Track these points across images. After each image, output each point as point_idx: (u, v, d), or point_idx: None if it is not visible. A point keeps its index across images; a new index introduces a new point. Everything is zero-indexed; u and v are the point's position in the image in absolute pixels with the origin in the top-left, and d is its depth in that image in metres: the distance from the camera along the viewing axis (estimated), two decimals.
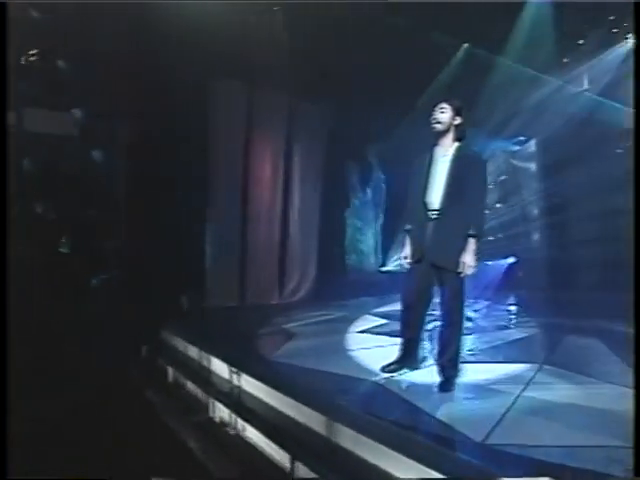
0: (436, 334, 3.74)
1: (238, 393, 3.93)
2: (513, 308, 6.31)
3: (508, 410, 3.05)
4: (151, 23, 5.93)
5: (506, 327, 5.88)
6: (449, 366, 3.56)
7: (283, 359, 4.40)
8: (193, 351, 4.95)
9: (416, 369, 3.86)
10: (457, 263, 3.36)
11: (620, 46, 8.58)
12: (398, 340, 3.86)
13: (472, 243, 3.35)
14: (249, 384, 3.90)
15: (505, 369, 3.98)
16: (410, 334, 3.80)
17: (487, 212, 9.49)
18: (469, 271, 3.35)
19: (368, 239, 10.38)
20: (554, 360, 4.12)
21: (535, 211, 9.23)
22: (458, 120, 3.46)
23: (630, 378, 2.93)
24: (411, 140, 9.25)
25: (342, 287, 8.82)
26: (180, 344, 5.29)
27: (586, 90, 9.01)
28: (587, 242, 7.95)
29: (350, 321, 6.15)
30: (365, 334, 5.46)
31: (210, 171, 7.56)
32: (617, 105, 8.81)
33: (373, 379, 3.73)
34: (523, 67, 8.87)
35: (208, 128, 7.55)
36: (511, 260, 8.95)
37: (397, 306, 6.79)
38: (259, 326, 5.86)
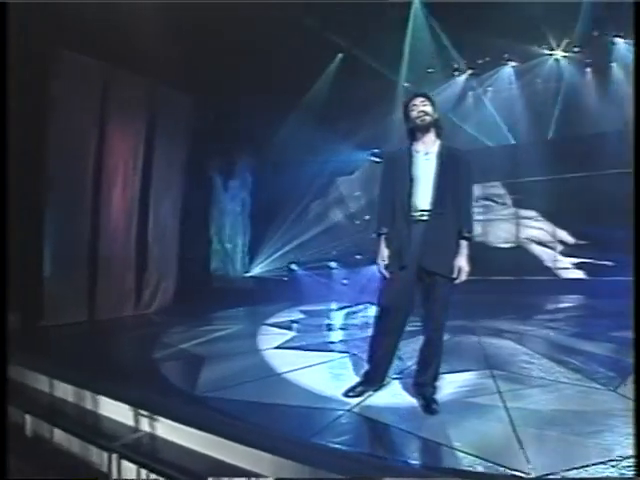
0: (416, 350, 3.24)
1: (153, 445, 2.86)
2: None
3: (515, 428, 2.70)
4: None
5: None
6: (429, 384, 3.10)
7: (212, 393, 3.41)
8: (63, 389, 3.59)
9: (378, 389, 3.30)
10: (451, 268, 2.94)
11: (460, 76, 9.57)
12: (322, 355, 3.54)
13: (465, 246, 2.98)
14: (173, 432, 2.86)
15: (457, 379, 3.66)
16: (383, 351, 3.23)
17: (367, 217, 9.89)
18: (464, 277, 2.95)
19: (234, 244, 9.52)
20: (495, 364, 3.96)
21: None
22: (436, 115, 3.07)
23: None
24: (284, 144, 9.04)
25: (207, 295, 7.92)
26: (34, 379, 3.83)
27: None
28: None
29: (251, 336, 5.33)
30: (280, 350, 4.70)
31: (50, 168, 6.04)
32: (463, 127, 9.82)
33: (342, 408, 3.05)
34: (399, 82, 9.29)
35: (48, 117, 6.02)
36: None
37: (290, 314, 6.65)
38: (150, 349, 4.64)
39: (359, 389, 3.25)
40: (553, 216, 8.60)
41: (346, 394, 3.25)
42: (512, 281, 8.16)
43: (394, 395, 3.26)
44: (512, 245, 9.10)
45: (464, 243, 2.98)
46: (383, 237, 3.13)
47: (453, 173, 2.99)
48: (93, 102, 6.73)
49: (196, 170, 8.36)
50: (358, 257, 9.19)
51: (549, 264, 8.58)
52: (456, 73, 9.81)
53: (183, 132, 8.15)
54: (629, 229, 7.37)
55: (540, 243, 8.67)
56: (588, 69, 9.61)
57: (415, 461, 2.42)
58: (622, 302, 6.35)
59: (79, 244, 6.46)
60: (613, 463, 2.31)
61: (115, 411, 3.25)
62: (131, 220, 7.36)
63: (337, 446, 2.53)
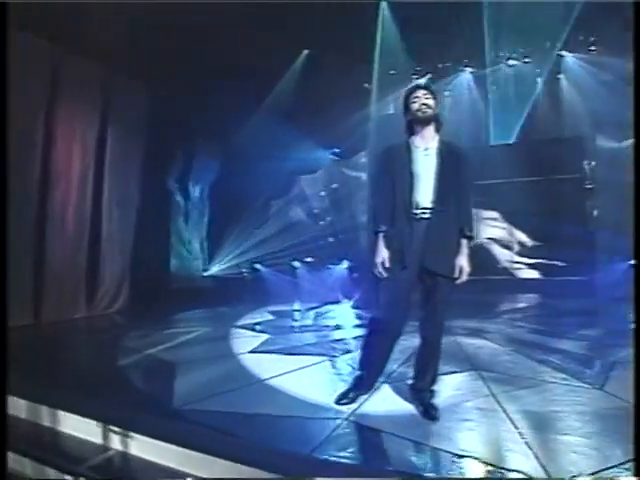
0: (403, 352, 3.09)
1: (127, 465, 2.54)
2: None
3: (520, 431, 2.58)
4: None
5: None
6: (427, 389, 2.95)
7: (193, 405, 3.08)
8: (15, 404, 3.14)
9: (370, 395, 3.11)
10: (453, 268, 2.80)
11: (419, 80, 9.62)
12: (301, 359, 3.47)
13: (466, 245, 2.86)
14: (151, 450, 2.55)
15: (447, 381, 3.52)
16: (378, 356, 3.04)
17: (329, 219, 9.74)
18: (465, 277, 2.82)
19: (193, 243, 9.07)
20: (480, 365, 3.88)
21: (364, 218, 9.49)
22: (437, 109, 2.91)
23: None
24: (246, 141, 8.72)
25: (166, 296, 7.49)
26: None
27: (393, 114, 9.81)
28: None
29: (222, 339, 5.00)
30: (256, 354, 4.40)
31: None
32: None
33: (337, 416, 2.83)
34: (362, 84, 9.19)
35: None
36: (346, 264, 8.98)
37: (258, 316, 6.35)
38: (112, 355, 4.22)
39: (352, 395, 3.05)
40: (512, 217, 8.81)
41: (338, 401, 3.04)
42: (476, 280, 8.24)
43: (388, 401, 3.09)
44: (474, 245, 9.24)
45: (465, 242, 2.86)
46: (381, 236, 2.93)
47: (454, 170, 2.84)
48: (41, 86, 6.12)
49: (153, 165, 7.87)
50: (321, 257, 9.02)
51: (507, 264, 8.78)
52: (415, 76, 9.82)
53: (139, 125, 7.65)
54: (583, 231, 7.63)
55: (500, 244, 8.86)
56: (539, 79, 9.94)
57: (429, 473, 2.24)
58: (582, 301, 6.67)
59: (22, 239, 5.81)
60: (627, 466, 2.23)
61: (79, 428, 2.88)
62: (83, 215, 6.79)
63: (343, 460, 2.31)
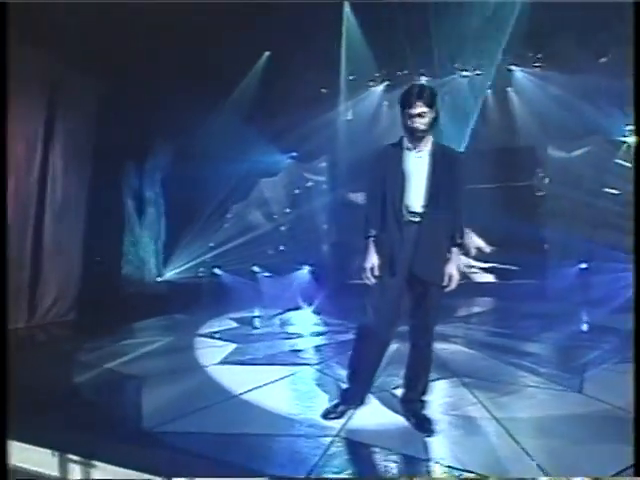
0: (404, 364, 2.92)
1: None
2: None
3: (516, 440, 2.49)
4: None
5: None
6: (418, 400, 2.80)
7: (165, 427, 2.75)
8: None
9: (358, 407, 2.93)
10: (442, 276, 2.68)
11: (377, 87, 9.63)
12: (275, 370, 3.37)
13: (457, 252, 2.74)
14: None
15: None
16: (367, 365, 2.87)
17: (289, 223, 9.46)
18: (454, 285, 2.70)
19: (147, 246, 8.54)
20: (458, 371, 3.79)
21: (324, 220, 9.33)
22: (434, 113, 2.68)
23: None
24: (205, 142, 8.33)
25: (119, 303, 6.99)
26: None
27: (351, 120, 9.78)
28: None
29: (186, 349, 4.65)
30: (226, 366, 4.10)
31: None
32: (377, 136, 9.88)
33: (328, 433, 2.63)
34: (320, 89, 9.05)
35: None
36: (307, 268, 8.78)
37: (221, 323, 6.00)
38: (66, 370, 3.77)
39: (341, 408, 2.86)
40: (469, 223, 8.96)
41: (326, 416, 2.84)
42: None
43: (376, 413, 2.91)
44: None
45: (455, 250, 2.73)
46: (372, 241, 2.78)
47: (447, 173, 2.70)
48: None
49: (105, 166, 7.32)
50: (282, 261, 8.77)
51: (464, 268, 8.92)
52: (372, 83, 9.81)
53: (89, 125, 7.10)
54: (536, 236, 7.83)
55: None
56: (489, 91, 10.23)
57: None
58: (537, 304, 6.84)
59: None
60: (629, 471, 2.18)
61: (30, 459, 2.50)
62: (26, 213, 6.18)
63: None
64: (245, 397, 3.26)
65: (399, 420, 2.80)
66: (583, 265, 7.24)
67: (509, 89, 9.47)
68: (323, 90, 9.40)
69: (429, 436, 2.59)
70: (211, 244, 8.86)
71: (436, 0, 7.53)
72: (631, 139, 7.54)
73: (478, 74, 9.66)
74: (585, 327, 5.70)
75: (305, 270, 8.80)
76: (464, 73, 9.72)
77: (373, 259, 2.75)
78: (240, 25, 7.29)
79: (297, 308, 7.18)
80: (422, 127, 2.63)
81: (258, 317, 6.68)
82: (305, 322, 6.37)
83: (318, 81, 9.14)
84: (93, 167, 7.13)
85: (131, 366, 4.01)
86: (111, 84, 7.09)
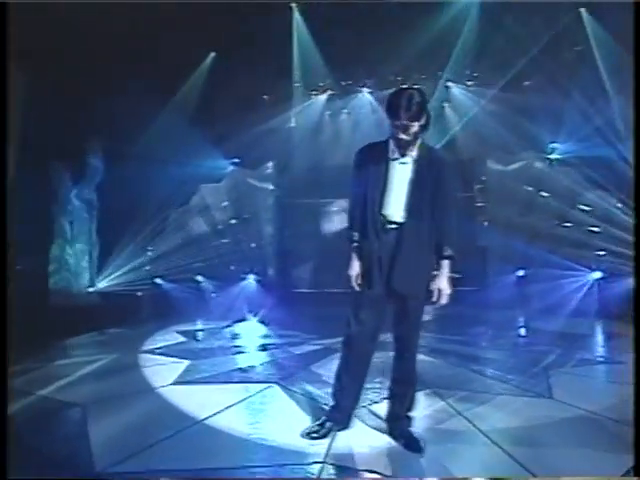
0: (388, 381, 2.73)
1: None
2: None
3: (507, 452, 2.38)
4: None
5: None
6: (403, 416, 2.61)
7: (122, 466, 2.32)
8: None
9: (345, 428, 2.69)
10: (426, 290, 2.51)
11: (319, 96, 9.48)
12: (237, 389, 3.14)
13: (446, 265, 2.52)
14: None
15: None
16: (352, 384, 2.66)
17: (233, 231, 8.96)
18: (445, 300, 2.53)
19: (79, 254, 7.72)
20: (428, 381, 3.62)
21: (270, 228, 9.00)
22: (423, 121, 2.46)
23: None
24: (145, 144, 7.73)
25: (44, 317, 6.21)
26: None
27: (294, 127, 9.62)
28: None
29: (132, 368, 4.15)
30: (182, 386, 3.67)
31: None
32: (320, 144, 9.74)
33: (313, 460, 2.35)
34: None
35: None
36: (252, 277, 8.36)
37: (170, 337, 5.44)
38: None
39: (326, 427, 2.61)
40: None
41: (309, 435, 2.57)
42: None
43: (358, 433, 2.67)
44: None
45: (445, 262, 2.51)
46: (354, 247, 2.60)
47: (432, 182, 2.49)
48: None
49: (33, 166, 6.50)
50: (226, 270, 8.29)
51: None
52: (314, 92, 9.66)
53: (14, 124, 6.27)
54: (475, 245, 8.02)
55: None
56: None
57: None
58: (479, 311, 6.95)
59: None
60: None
61: None
62: None
63: None
64: (210, 422, 2.89)
65: (385, 439, 2.59)
66: (520, 272, 7.52)
67: (446, 104, 9.70)
68: (265, 97, 9.15)
69: (420, 455, 2.40)
70: (149, 252, 8.19)
71: (383, 14, 7.58)
72: (554, 156, 8.00)
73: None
74: (530, 332, 5.84)
75: (251, 279, 8.39)
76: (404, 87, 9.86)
77: (356, 267, 2.57)
78: (187, 24, 6.90)
79: (243, 320, 6.78)
80: (406, 138, 2.43)
81: (205, 330, 6.20)
82: (256, 334, 6.00)
83: (263, 86, 8.88)
84: (19, 169, 6.30)
85: (70, 392, 3.45)
86: (39, 79, 6.35)
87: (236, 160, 9.27)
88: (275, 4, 7.38)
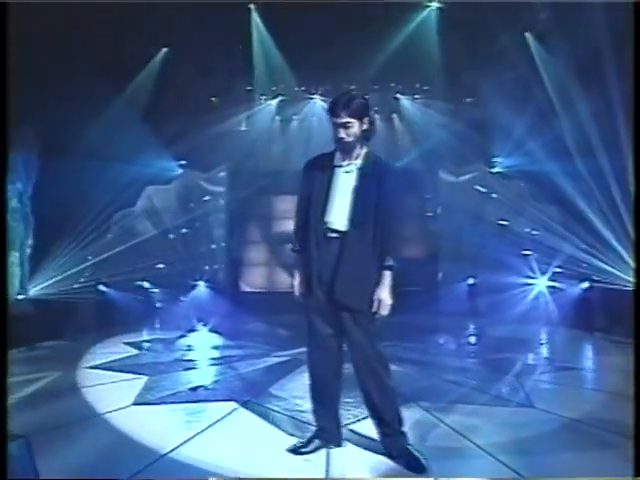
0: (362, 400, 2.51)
1: None
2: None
3: (510, 467, 2.24)
4: None
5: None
6: (397, 433, 2.42)
7: None
8: None
9: (339, 445, 2.48)
10: (368, 301, 2.34)
11: (270, 100, 9.21)
12: (205, 408, 2.92)
13: (388, 276, 2.36)
14: None
15: None
16: (326, 400, 2.49)
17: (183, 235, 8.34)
18: (386, 311, 2.34)
19: (10, 257, 6.83)
20: (410, 394, 3.45)
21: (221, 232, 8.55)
22: (366, 124, 2.41)
23: None
24: (87, 140, 7.04)
25: None
26: None
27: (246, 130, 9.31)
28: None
29: (82, 387, 3.62)
30: (142, 406, 3.22)
31: None
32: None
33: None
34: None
35: None
36: (202, 284, 7.84)
37: (117, 351, 4.85)
38: None
39: (314, 444, 2.43)
40: None
41: (295, 451, 2.39)
42: None
43: (353, 457, 2.43)
44: None
45: (387, 273, 2.35)
46: (297, 255, 2.54)
47: (376, 188, 2.38)
48: None
49: None
50: (175, 276, 7.72)
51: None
52: (263, 97, 9.36)
53: None
54: (426, 254, 8.09)
55: None
56: (377, 116, 10.53)
57: None
58: (430, 318, 6.92)
59: None
60: None
61: None
62: None
63: None
64: (182, 452, 2.51)
65: (381, 459, 2.37)
66: (471, 281, 7.66)
67: (394, 115, 9.76)
68: (213, 99, 8.74)
69: (425, 474, 2.22)
70: (89, 256, 7.42)
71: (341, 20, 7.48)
72: (496, 169, 8.29)
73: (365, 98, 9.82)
74: (479, 340, 5.88)
75: (202, 286, 7.87)
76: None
77: (297, 275, 2.51)
78: (141, 17, 6.42)
79: (193, 330, 6.27)
80: (347, 138, 2.36)
81: (156, 341, 5.64)
82: (212, 345, 5.55)
83: (214, 87, 8.47)
84: None
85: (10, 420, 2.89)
86: None
87: (185, 162, 8.76)
88: (233, 4, 7.08)
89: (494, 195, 7.89)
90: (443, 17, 7.54)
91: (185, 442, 2.60)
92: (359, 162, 2.42)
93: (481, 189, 8.08)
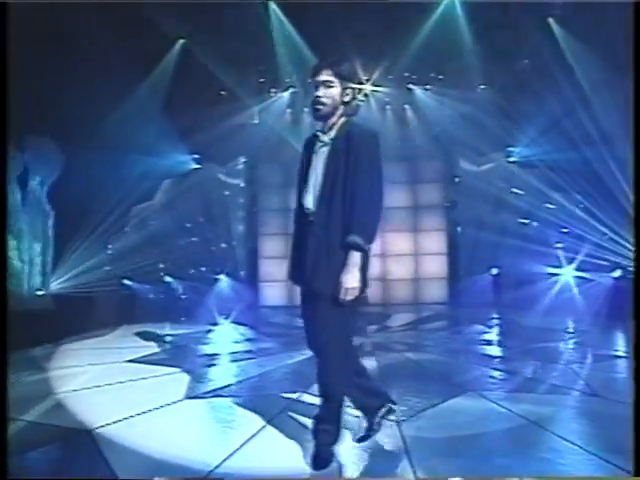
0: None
1: None
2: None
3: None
4: None
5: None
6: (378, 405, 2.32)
7: None
8: None
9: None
10: (332, 285, 2.08)
11: (284, 92, 9.02)
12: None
13: (355, 257, 2.07)
14: None
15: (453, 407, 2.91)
16: (328, 392, 2.21)
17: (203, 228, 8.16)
18: (350, 296, 2.07)
19: (32, 254, 6.69)
20: (464, 384, 3.36)
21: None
22: (348, 95, 2.18)
23: None
24: (105, 137, 6.86)
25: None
26: None
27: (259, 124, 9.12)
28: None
29: (133, 381, 3.47)
30: (200, 400, 3.09)
31: None
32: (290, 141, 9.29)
33: None
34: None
35: None
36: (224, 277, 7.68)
37: (152, 344, 4.67)
38: None
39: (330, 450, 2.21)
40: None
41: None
42: None
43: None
44: None
45: (354, 254, 2.07)
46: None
47: (348, 160, 2.11)
48: None
49: None
50: (197, 270, 7.56)
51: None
52: (273, 90, 9.15)
53: None
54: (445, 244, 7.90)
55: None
56: (388, 107, 10.32)
57: None
58: (462, 310, 6.76)
59: None
60: None
61: None
62: None
63: None
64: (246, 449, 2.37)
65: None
66: (494, 271, 7.53)
67: (406, 106, 9.55)
68: (222, 93, 8.55)
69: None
70: (110, 251, 7.27)
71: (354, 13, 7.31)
72: (514, 158, 8.13)
73: (375, 91, 9.62)
74: (514, 329, 5.75)
75: (224, 279, 7.71)
76: (364, 87, 9.56)
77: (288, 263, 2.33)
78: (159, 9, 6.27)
79: (215, 323, 6.11)
80: (324, 99, 2.13)
81: (184, 335, 5.45)
82: (234, 339, 5.36)
83: (228, 80, 8.29)
84: None
85: (63, 415, 2.74)
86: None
87: (201, 156, 8.61)
88: None
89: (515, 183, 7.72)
90: (462, 5, 7.38)
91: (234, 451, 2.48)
92: (332, 133, 2.18)
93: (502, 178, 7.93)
